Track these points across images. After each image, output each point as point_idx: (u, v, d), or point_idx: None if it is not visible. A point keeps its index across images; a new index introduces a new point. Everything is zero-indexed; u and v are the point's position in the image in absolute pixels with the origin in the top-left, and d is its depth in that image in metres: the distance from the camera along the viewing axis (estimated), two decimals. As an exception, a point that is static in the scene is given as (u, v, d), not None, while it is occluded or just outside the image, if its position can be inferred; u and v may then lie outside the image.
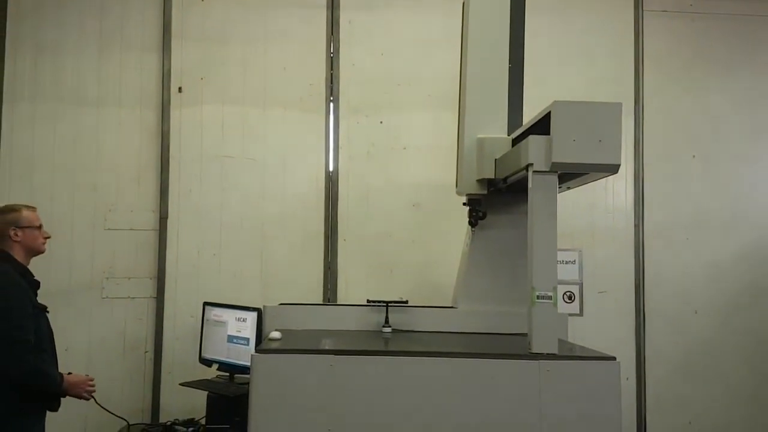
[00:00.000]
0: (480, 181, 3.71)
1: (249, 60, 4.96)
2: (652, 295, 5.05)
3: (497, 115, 3.74)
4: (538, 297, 2.93)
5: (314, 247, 4.91)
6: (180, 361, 4.70)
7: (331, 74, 5.00)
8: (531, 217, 3.00)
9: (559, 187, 3.15)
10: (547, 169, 2.93)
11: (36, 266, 3.36)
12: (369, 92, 5.00)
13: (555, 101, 2.93)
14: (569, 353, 3.16)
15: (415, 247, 4.93)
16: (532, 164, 2.95)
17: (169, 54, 4.89)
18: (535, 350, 2.97)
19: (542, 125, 3.02)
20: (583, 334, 4.37)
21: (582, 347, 3.39)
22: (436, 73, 4.89)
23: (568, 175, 3.15)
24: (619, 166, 2.92)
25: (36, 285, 3.31)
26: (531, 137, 2.97)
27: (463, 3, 3.97)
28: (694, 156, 5.14)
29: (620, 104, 2.92)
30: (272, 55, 4.98)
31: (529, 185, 2.99)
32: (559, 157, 2.89)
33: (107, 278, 4.76)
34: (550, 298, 2.93)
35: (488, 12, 3.81)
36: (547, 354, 2.97)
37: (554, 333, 3.01)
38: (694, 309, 5.06)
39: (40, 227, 3.35)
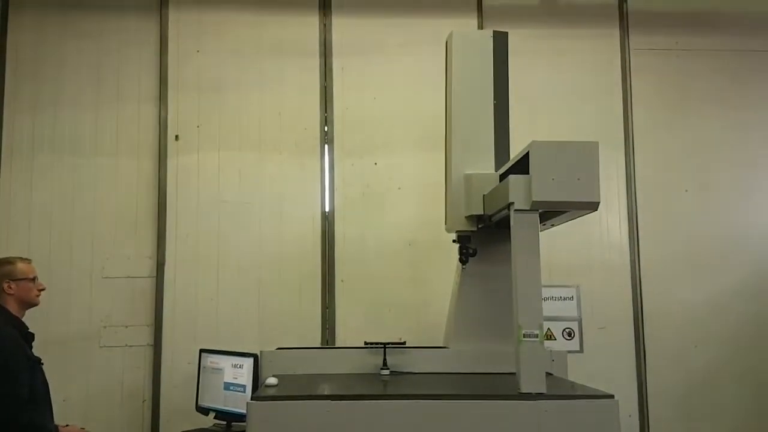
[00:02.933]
0: (469, 218, 3.70)
1: (244, 107, 5.06)
2: (652, 330, 5.01)
3: (484, 151, 3.75)
4: (524, 336, 2.92)
5: (312, 289, 4.93)
6: (178, 409, 4.67)
7: (326, 118, 5.09)
8: (514, 255, 3.01)
9: (543, 225, 3.17)
10: (528, 208, 2.95)
11: (34, 316, 3.40)
12: (363, 134, 5.08)
13: (533, 141, 2.96)
14: (569, 392, 3.13)
15: (413, 285, 4.95)
16: (513, 203, 2.98)
17: (166, 104, 5.00)
18: (524, 390, 2.93)
19: (523, 164, 3.04)
20: (584, 371, 4.28)
21: (582, 386, 3.35)
22: (427, 114, 4.92)
23: (551, 212, 3.16)
24: (598, 203, 2.93)
25: (30, 337, 3.33)
26: (511, 177, 3.00)
27: (446, 41, 4.01)
28: (686, 190, 5.16)
29: (596, 143, 2.94)
30: (267, 102, 5.07)
31: (512, 223, 3.01)
32: (538, 196, 2.91)
33: (104, 327, 4.77)
34: (536, 336, 2.91)
35: (471, 49, 3.85)
36: (537, 393, 2.93)
37: (542, 371, 2.98)
38: (694, 343, 5.00)
39: (34, 279, 3.39)
